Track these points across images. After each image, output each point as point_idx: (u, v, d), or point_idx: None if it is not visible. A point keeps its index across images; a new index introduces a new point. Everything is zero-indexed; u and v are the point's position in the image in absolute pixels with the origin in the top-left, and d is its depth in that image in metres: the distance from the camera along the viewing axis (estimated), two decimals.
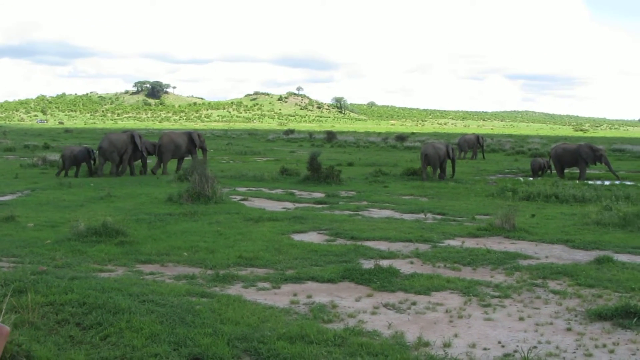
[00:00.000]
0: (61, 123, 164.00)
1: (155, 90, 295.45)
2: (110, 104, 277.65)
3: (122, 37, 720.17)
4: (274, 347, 6.89)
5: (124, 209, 17.17)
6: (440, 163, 28.48)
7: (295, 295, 9.28)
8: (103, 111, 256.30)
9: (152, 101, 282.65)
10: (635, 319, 8.07)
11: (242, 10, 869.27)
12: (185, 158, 30.90)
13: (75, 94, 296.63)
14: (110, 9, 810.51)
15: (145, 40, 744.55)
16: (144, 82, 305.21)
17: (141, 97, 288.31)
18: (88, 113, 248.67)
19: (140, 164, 29.39)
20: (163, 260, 11.32)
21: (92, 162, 27.90)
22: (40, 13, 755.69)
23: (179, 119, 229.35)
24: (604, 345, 7.36)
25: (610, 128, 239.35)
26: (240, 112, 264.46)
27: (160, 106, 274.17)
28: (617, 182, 27.94)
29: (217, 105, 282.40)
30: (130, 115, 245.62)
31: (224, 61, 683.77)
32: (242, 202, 19.53)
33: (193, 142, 30.59)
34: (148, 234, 13.56)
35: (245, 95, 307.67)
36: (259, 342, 7.04)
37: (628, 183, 27.85)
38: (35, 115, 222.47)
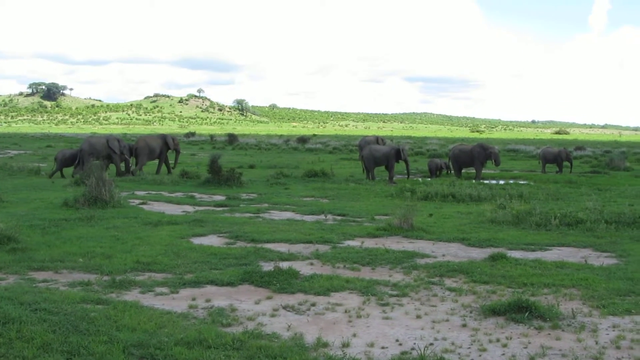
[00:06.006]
0: None
1: (51, 92, 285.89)
2: (4, 106, 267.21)
3: (14, 37, 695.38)
4: (171, 353, 6.79)
5: (17, 214, 16.59)
6: (376, 165, 28.51)
7: (193, 299, 9.17)
8: None
9: (48, 103, 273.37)
10: (527, 314, 8.33)
11: (140, 9, 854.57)
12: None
13: None
14: (1, 6, 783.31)
15: (40, 40, 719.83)
16: (39, 84, 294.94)
17: (36, 99, 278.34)
18: None
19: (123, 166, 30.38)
20: (57, 267, 10.99)
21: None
22: None
23: (77, 122, 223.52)
24: (498, 340, 7.56)
25: (505, 129, 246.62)
26: (140, 115, 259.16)
27: (57, 108, 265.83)
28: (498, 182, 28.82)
29: (116, 108, 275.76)
30: (25, 117, 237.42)
31: (122, 62, 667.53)
32: (140, 206, 19.19)
33: (167, 145, 31.62)
34: (42, 240, 13.15)
35: (145, 98, 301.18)
36: (156, 348, 6.92)
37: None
38: None
